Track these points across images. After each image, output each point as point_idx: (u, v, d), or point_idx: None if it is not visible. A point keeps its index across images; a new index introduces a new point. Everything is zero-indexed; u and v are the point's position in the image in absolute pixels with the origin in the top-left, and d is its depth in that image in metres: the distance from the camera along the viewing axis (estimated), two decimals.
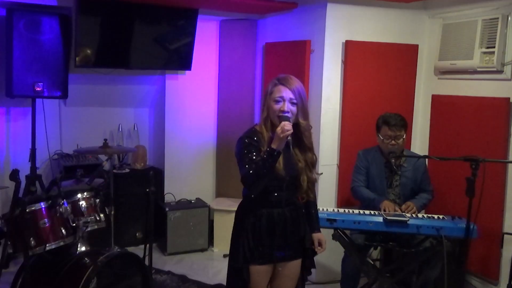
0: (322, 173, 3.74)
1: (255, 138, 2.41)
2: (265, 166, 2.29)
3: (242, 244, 2.47)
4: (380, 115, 3.51)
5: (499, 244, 3.48)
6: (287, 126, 2.27)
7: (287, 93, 2.39)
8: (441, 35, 3.95)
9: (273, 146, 2.28)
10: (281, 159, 2.37)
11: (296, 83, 2.43)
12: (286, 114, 2.36)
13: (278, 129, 2.27)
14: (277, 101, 2.40)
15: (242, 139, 2.43)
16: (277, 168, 2.37)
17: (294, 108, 2.40)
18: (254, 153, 2.35)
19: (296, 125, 2.42)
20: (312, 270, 2.71)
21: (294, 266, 2.58)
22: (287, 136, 2.26)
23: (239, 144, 2.42)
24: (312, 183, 2.56)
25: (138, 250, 4.10)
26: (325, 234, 2.72)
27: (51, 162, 4.60)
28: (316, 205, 2.71)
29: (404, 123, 3.42)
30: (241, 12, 4.74)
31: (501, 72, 3.51)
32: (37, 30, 3.96)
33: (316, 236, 2.64)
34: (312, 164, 2.54)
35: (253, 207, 2.50)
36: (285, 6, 4.25)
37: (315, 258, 2.68)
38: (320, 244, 2.64)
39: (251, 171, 2.30)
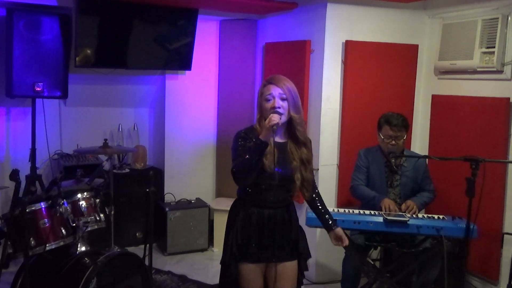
0: (317, 169, 3.74)
1: (251, 135, 2.47)
2: (252, 157, 2.34)
3: (230, 241, 2.52)
4: (382, 113, 3.50)
5: (499, 244, 3.48)
6: (274, 117, 2.35)
7: (275, 90, 2.46)
8: (441, 35, 3.95)
9: (261, 137, 2.36)
10: (275, 156, 2.39)
11: (284, 80, 2.50)
12: (278, 109, 2.42)
13: (266, 121, 2.35)
14: (268, 100, 2.46)
15: (238, 134, 2.51)
16: (268, 166, 2.40)
17: (285, 104, 2.45)
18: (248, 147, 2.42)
19: (290, 120, 2.48)
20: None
21: (288, 268, 2.56)
22: (273, 126, 2.32)
23: (235, 138, 2.51)
24: (308, 181, 2.54)
25: (138, 250, 4.10)
26: (325, 234, 2.71)
27: (51, 162, 4.60)
28: (322, 200, 2.68)
29: (406, 124, 3.42)
30: (241, 12, 4.74)
31: (501, 72, 3.51)
32: (37, 30, 3.96)
33: (332, 234, 2.65)
34: (307, 160, 2.54)
35: (244, 206, 2.53)
36: (285, 6, 4.25)
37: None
38: (338, 240, 2.64)
39: (239, 162, 2.38)
